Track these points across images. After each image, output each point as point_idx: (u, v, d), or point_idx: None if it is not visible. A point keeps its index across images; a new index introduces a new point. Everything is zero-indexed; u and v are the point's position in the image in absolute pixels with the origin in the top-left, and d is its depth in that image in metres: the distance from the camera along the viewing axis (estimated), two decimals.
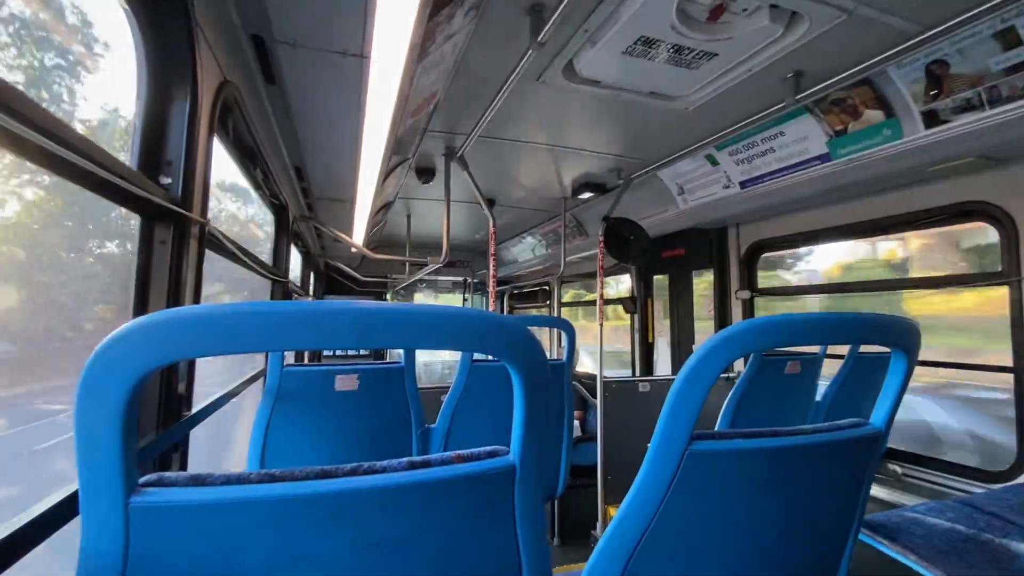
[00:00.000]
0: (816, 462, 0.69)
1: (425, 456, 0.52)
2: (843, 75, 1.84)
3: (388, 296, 7.16)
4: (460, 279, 7.61)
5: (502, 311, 8.07)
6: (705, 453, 0.63)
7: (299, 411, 1.47)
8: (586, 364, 6.30)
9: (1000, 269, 2.18)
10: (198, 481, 0.46)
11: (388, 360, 1.88)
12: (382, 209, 3.93)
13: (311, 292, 5.00)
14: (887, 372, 0.75)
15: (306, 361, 1.52)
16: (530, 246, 5.77)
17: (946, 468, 2.36)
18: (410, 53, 1.23)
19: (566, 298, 7.43)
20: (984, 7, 1.39)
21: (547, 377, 0.54)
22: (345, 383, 1.50)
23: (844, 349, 2.29)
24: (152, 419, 1.05)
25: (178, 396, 1.14)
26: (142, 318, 0.40)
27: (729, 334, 0.60)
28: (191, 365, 1.23)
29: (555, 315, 5.91)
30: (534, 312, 8.06)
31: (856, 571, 0.89)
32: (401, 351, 1.64)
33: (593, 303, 4.40)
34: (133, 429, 0.43)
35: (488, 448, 0.56)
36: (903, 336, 0.68)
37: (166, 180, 1.07)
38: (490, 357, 3.38)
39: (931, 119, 1.92)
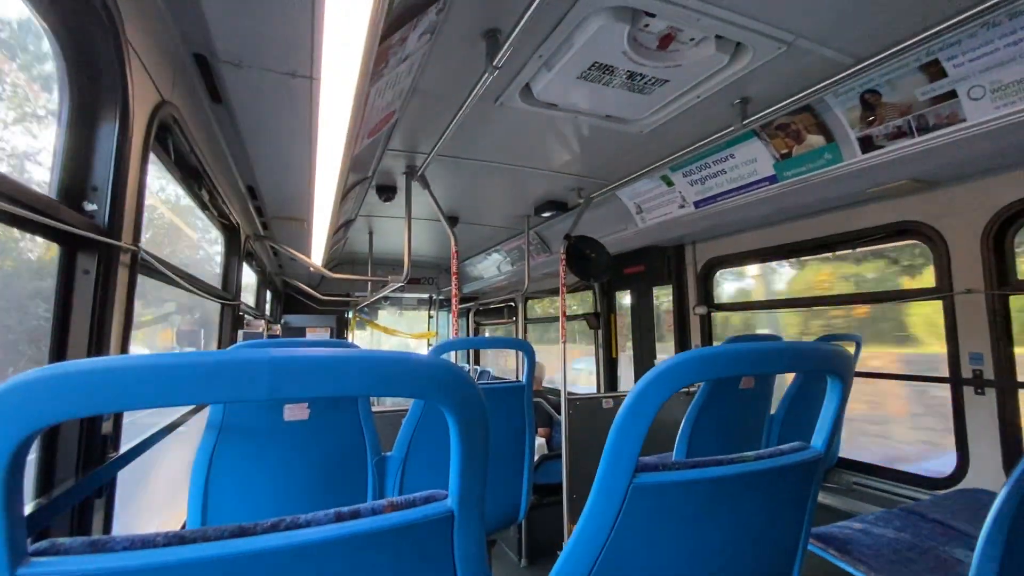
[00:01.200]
0: (761, 487, 0.70)
1: (353, 507, 0.49)
2: (785, 103, 1.93)
3: (349, 315, 6.99)
4: (425, 296, 7.52)
5: (467, 329, 8.01)
6: (650, 486, 0.62)
7: (245, 444, 1.39)
8: (556, 380, 6.30)
9: (935, 285, 2.31)
10: (97, 547, 0.42)
11: None
12: (343, 227, 3.86)
13: (267, 313, 4.83)
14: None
15: None
16: (495, 262, 5.77)
17: (894, 476, 2.46)
18: (362, 76, 1.21)
19: (533, 313, 7.45)
20: (909, 42, 1.49)
21: (483, 414, 0.52)
22: (294, 412, 1.43)
23: None
24: (70, 462, 0.96)
25: (102, 436, 1.05)
26: (29, 373, 0.36)
27: (667, 367, 0.61)
28: None
29: (520, 331, 5.90)
30: (500, 329, 8.04)
31: None
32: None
33: (556, 319, 4.43)
34: (18, 492, 0.39)
35: (425, 493, 0.54)
36: (837, 363, 0.70)
37: (91, 207, 1.01)
38: None
39: (867, 144, 2.03)
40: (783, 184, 2.42)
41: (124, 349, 1.13)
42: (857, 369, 2.40)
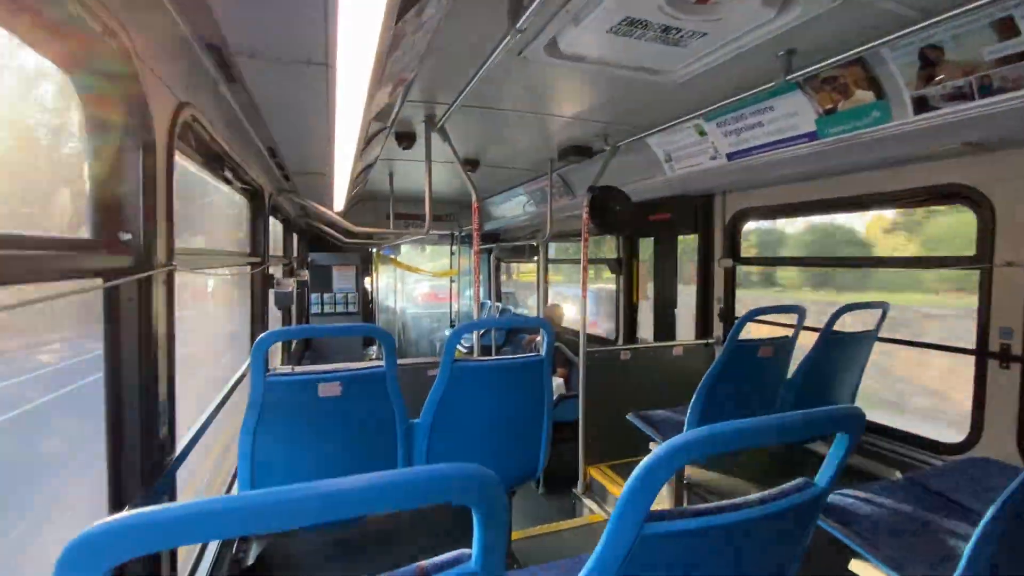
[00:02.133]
0: (765, 529, 0.74)
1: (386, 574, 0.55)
2: (837, 58, 1.77)
3: (373, 252, 7.08)
4: (446, 232, 7.52)
5: (488, 268, 8.06)
6: (657, 536, 0.67)
7: (284, 419, 1.51)
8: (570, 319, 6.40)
9: (974, 253, 2.21)
10: None
11: (371, 363, 1.91)
12: (363, 172, 3.82)
13: (295, 254, 4.94)
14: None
15: (292, 370, 1.55)
16: (519, 203, 5.68)
17: (903, 438, 2.50)
18: (379, 57, 1.16)
19: (554, 253, 7.42)
20: (982, 2, 1.33)
21: (505, 511, 0.56)
22: (328, 389, 1.53)
23: (815, 325, 2.36)
24: (135, 472, 1.07)
25: (160, 443, 1.16)
26: (112, 521, 0.41)
27: (682, 442, 0.63)
28: (171, 402, 1.24)
29: (542, 272, 5.92)
30: (523, 267, 8.07)
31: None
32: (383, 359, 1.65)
33: (578, 261, 4.42)
34: None
35: (454, 554, 0.59)
36: (849, 422, 0.71)
37: (126, 236, 1.04)
38: (472, 354, 3.38)
39: (921, 105, 1.87)
40: (824, 142, 2.27)
41: (171, 367, 1.21)
42: (881, 335, 2.37)
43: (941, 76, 1.77)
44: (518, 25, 1.48)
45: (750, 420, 0.65)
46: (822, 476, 0.78)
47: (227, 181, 2.15)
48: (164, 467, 1.20)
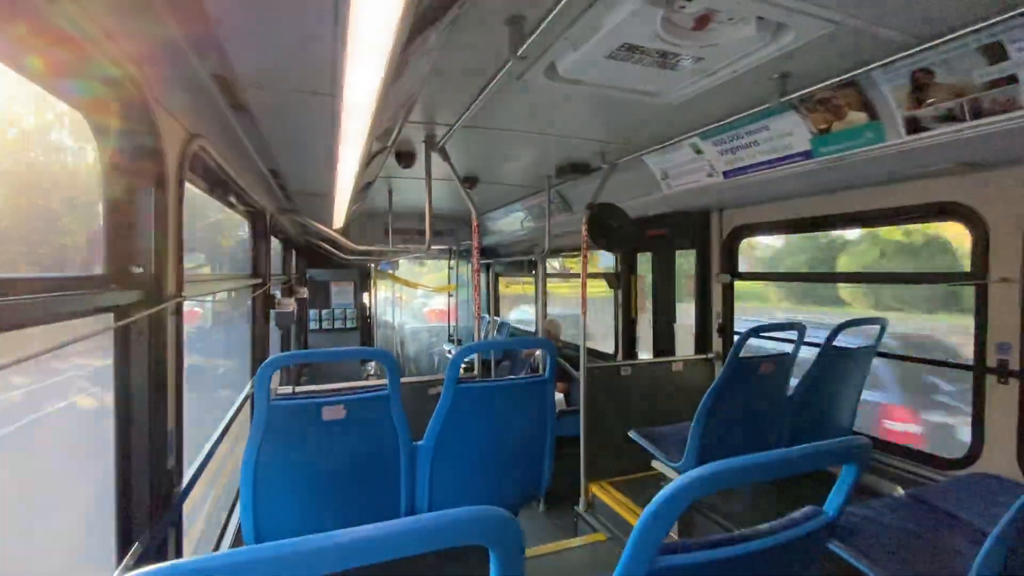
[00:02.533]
0: (776, 558, 0.74)
1: None
2: (829, 81, 1.81)
3: (371, 268, 7.09)
4: (445, 248, 7.53)
5: (487, 284, 8.07)
6: (671, 568, 0.67)
7: (288, 443, 1.50)
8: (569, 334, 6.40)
9: (970, 270, 2.24)
10: None
11: (373, 384, 1.91)
12: (363, 190, 3.85)
13: (293, 272, 4.94)
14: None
15: (293, 390, 1.55)
16: (516, 218, 5.72)
17: (905, 454, 2.51)
18: (384, 86, 1.18)
19: (554, 266, 7.45)
20: (971, 28, 1.37)
21: (520, 547, 0.56)
22: (332, 413, 1.53)
23: (815, 340, 2.38)
24: (144, 503, 1.07)
25: (167, 471, 1.16)
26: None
27: (696, 477, 0.64)
28: (179, 431, 1.24)
29: (540, 288, 5.93)
30: (520, 283, 8.08)
31: None
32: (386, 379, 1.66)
33: (577, 275, 4.43)
34: None
35: None
36: (857, 453, 0.72)
37: (137, 269, 1.05)
38: (473, 371, 3.37)
39: (913, 125, 1.91)
40: (819, 160, 2.31)
41: (179, 396, 1.21)
42: (880, 351, 2.39)
43: (932, 99, 1.81)
44: (519, 52, 1.51)
45: (762, 455, 0.66)
46: (831, 504, 0.79)
47: (231, 205, 2.17)
48: (172, 498, 1.19)
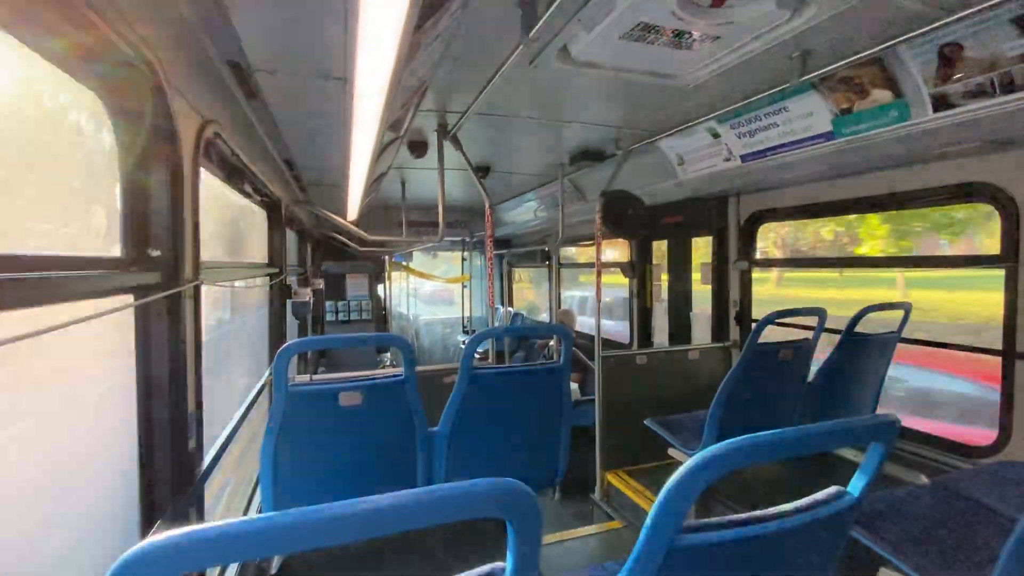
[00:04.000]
0: (799, 539, 0.73)
1: None
2: (852, 58, 1.75)
3: (385, 260, 7.13)
4: (458, 239, 7.55)
5: (501, 275, 8.07)
6: (691, 547, 0.66)
7: (305, 428, 1.52)
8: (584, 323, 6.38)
9: (999, 253, 2.17)
10: None
11: (390, 371, 1.93)
12: (375, 181, 3.86)
13: (308, 265, 4.99)
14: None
15: (310, 379, 1.57)
16: (529, 208, 5.69)
17: (929, 441, 2.45)
18: (395, 70, 1.17)
19: (567, 255, 7.41)
20: None
21: (537, 521, 0.56)
22: (349, 399, 1.54)
23: (837, 326, 2.33)
24: (165, 482, 1.09)
25: (188, 454, 1.18)
26: (159, 540, 0.42)
27: (717, 453, 0.62)
28: (199, 413, 1.26)
29: (554, 276, 5.91)
30: (533, 273, 8.07)
31: None
32: (401, 366, 1.67)
33: (591, 265, 4.41)
34: None
35: (487, 568, 0.59)
36: (883, 431, 0.70)
37: (155, 252, 1.07)
38: (488, 360, 3.38)
39: (941, 103, 1.85)
40: (841, 141, 2.25)
41: (199, 379, 1.23)
42: (905, 335, 2.33)
43: (961, 74, 1.74)
44: (531, 34, 1.49)
45: (785, 430, 0.65)
46: (855, 485, 0.77)
47: (246, 194, 2.19)
48: (193, 478, 1.21)
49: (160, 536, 0.41)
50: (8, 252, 0.74)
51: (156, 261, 1.08)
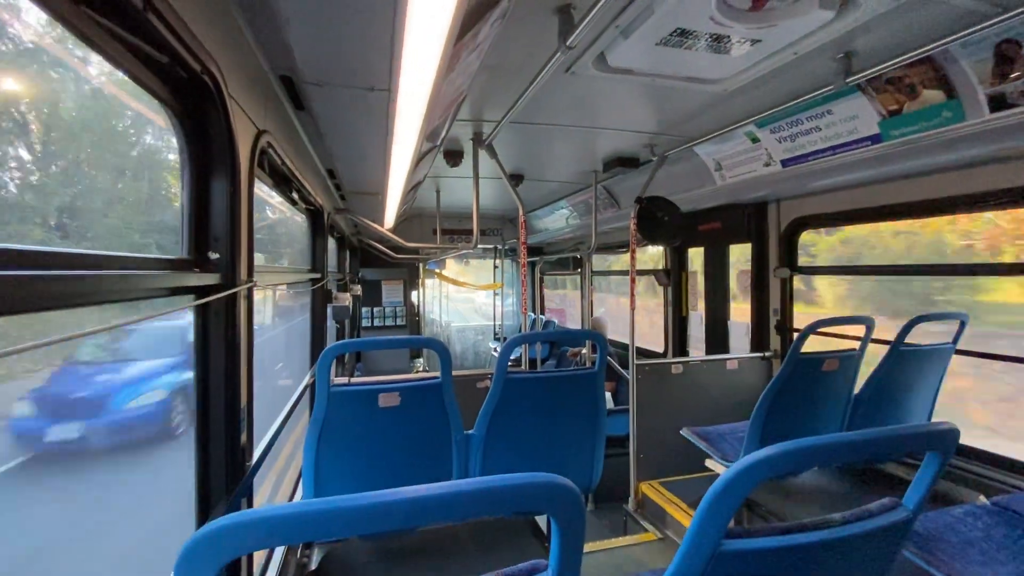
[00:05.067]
0: (849, 551, 0.70)
1: None
2: (900, 58, 1.70)
3: (420, 267, 7.26)
4: (490, 247, 7.61)
5: (533, 282, 8.08)
6: (736, 553, 0.65)
7: (346, 428, 1.57)
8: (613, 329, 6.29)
9: None
10: None
11: (426, 374, 1.96)
12: (412, 190, 3.95)
13: (347, 270, 5.14)
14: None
15: (348, 381, 1.63)
16: (562, 216, 5.69)
17: (986, 459, 2.31)
18: (436, 81, 1.21)
19: (599, 263, 7.36)
20: None
21: (582, 517, 0.56)
22: (388, 400, 1.58)
23: (886, 337, 2.23)
24: (220, 475, 1.15)
25: (241, 448, 1.24)
26: (220, 521, 0.45)
27: (765, 456, 0.61)
28: (250, 409, 1.33)
29: (587, 284, 5.87)
30: (566, 280, 8.04)
31: None
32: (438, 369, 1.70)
33: (625, 272, 4.35)
34: None
35: (528, 564, 0.60)
36: (940, 441, 0.67)
37: (215, 255, 1.13)
38: (520, 367, 3.38)
39: (998, 103, 1.76)
40: (889, 144, 2.17)
41: (250, 376, 1.30)
42: (963, 347, 2.21)
43: (1019, 72, 1.66)
44: (568, 42, 1.50)
45: (834, 436, 0.63)
46: (909, 498, 0.74)
47: (293, 202, 2.29)
48: (244, 471, 1.27)
49: (235, 514, 0.44)
50: (85, 251, 0.80)
51: (215, 263, 1.15)
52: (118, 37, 0.82)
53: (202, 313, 1.15)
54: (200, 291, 1.10)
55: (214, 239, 1.14)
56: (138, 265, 0.88)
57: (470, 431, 1.75)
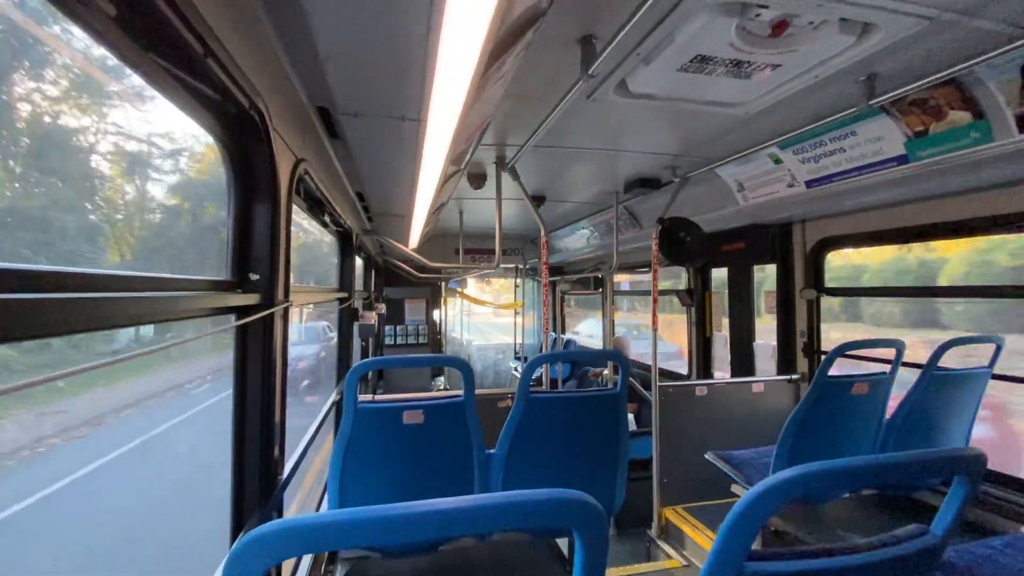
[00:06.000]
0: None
1: None
2: (924, 81, 1.70)
3: (441, 286, 7.35)
4: (511, 266, 7.67)
5: (554, 301, 8.09)
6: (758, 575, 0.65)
7: (371, 444, 1.61)
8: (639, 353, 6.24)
9: None
10: None
11: (449, 392, 1.99)
12: (436, 211, 4.04)
13: (372, 289, 5.26)
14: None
15: (372, 398, 1.68)
16: (582, 235, 5.72)
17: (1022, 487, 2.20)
18: (464, 111, 1.27)
19: (619, 284, 7.34)
20: None
21: (606, 535, 0.58)
22: (412, 417, 1.62)
23: (918, 360, 2.17)
24: (255, 488, 1.20)
25: (274, 461, 1.29)
26: (264, 527, 0.48)
27: (791, 476, 0.62)
28: (283, 425, 1.38)
29: (607, 304, 5.86)
30: (587, 300, 8.02)
31: None
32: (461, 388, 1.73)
33: (647, 292, 4.34)
34: None
35: None
36: (966, 465, 0.66)
37: (255, 276, 1.20)
38: (541, 387, 3.38)
39: None
40: (916, 165, 2.15)
41: (284, 393, 1.36)
42: (1000, 372, 2.14)
43: None
44: (590, 71, 1.55)
45: (864, 458, 0.63)
46: (939, 524, 0.73)
47: (325, 224, 2.38)
48: (275, 485, 1.32)
49: (282, 520, 0.48)
50: (134, 273, 0.86)
51: (256, 284, 1.21)
52: (180, 80, 0.90)
53: (241, 332, 1.21)
54: (240, 311, 1.17)
55: (255, 261, 1.21)
56: (186, 287, 0.94)
57: (491, 450, 1.77)
